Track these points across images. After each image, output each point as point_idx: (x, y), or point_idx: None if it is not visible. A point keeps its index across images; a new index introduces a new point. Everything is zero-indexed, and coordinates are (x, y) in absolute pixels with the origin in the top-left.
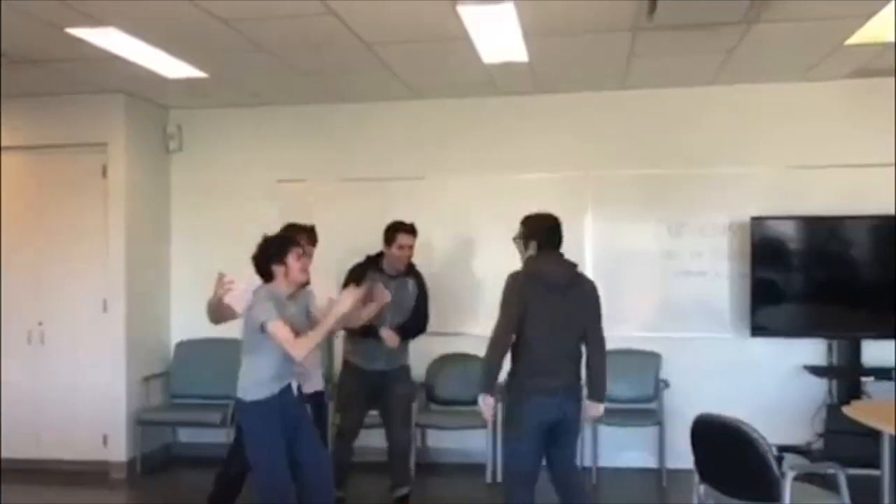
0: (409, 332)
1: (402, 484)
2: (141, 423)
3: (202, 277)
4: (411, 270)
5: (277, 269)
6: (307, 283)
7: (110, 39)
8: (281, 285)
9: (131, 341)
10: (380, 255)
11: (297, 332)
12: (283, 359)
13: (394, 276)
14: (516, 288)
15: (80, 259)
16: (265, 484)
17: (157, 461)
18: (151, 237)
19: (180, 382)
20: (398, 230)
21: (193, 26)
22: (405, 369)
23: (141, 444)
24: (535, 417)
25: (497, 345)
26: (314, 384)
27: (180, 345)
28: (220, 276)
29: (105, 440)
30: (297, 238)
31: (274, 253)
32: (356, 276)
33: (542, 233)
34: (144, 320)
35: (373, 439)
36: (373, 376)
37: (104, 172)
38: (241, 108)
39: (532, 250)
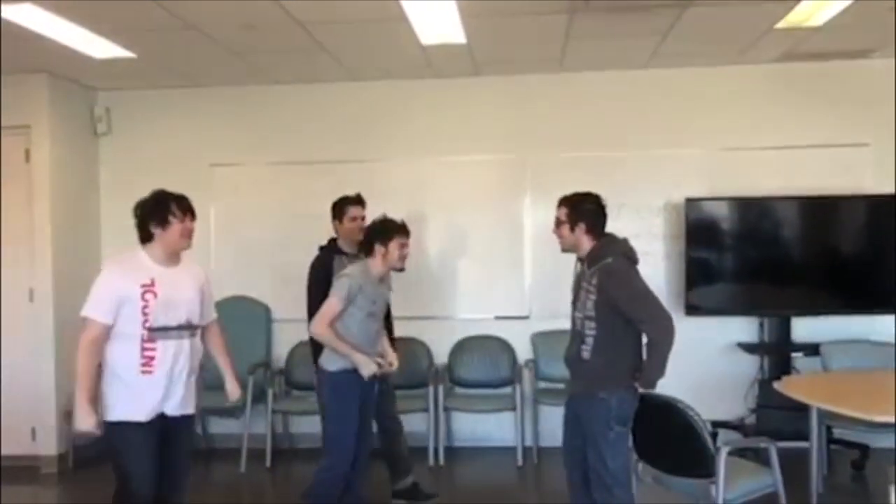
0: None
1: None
2: (72, 415)
3: None
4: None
5: (378, 250)
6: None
7: (30, 16)
8: (377, 265)
9: (60, 330)
10: (333, 241)
11: (377, 313)
12: (366, 328)
13: (355, 254)
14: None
15: (3, 247)
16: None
17: (90, 454)
18: (79, 223)
19: None
20: (346, 203)
21: (120, 4)
22: None
23: (73, 437)
24: None
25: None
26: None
27: None
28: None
29: (34, 433)
30: (403, 228)
31: (379, 234)
32: (324, 266)
33: (598, 214)
34: (74, 309)
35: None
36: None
37: (27, 156)
38: (172, 89)
39: (581, 233)
